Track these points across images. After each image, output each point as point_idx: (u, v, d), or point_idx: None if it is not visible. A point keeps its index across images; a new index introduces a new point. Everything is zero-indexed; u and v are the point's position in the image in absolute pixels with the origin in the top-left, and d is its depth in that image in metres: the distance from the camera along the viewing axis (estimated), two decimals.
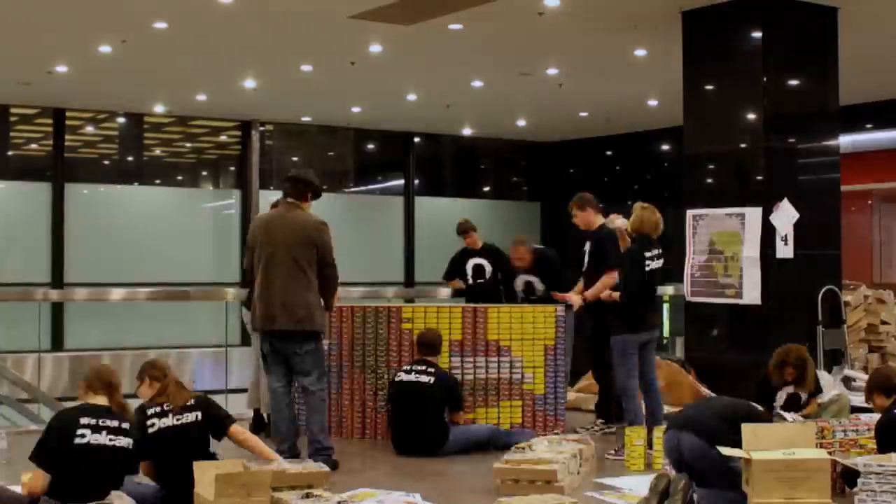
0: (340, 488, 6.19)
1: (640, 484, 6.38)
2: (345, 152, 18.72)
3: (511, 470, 6.33)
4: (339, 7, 9.69)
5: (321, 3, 9.66)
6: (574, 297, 8.53)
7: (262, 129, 17.12)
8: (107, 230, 16.02)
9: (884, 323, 11.04)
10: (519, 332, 8.31)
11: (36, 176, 16.13)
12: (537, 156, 19.40)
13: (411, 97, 14.52)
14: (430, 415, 7.60)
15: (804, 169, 9.70)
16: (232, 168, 17.62)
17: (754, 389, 7.57)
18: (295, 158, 18.44)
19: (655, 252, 7.66)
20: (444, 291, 10.76)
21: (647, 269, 7.57)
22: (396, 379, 7.82)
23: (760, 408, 6.18)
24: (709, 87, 9.97)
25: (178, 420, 5.75)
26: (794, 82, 9.71)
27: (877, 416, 6.45)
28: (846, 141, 11.94)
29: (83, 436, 5.22)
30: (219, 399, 10.47)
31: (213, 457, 5.81)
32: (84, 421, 5.27)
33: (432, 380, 7.65)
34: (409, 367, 7.83)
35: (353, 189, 18.96)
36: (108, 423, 5.33)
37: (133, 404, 5.78)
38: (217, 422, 5.86)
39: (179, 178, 18.01)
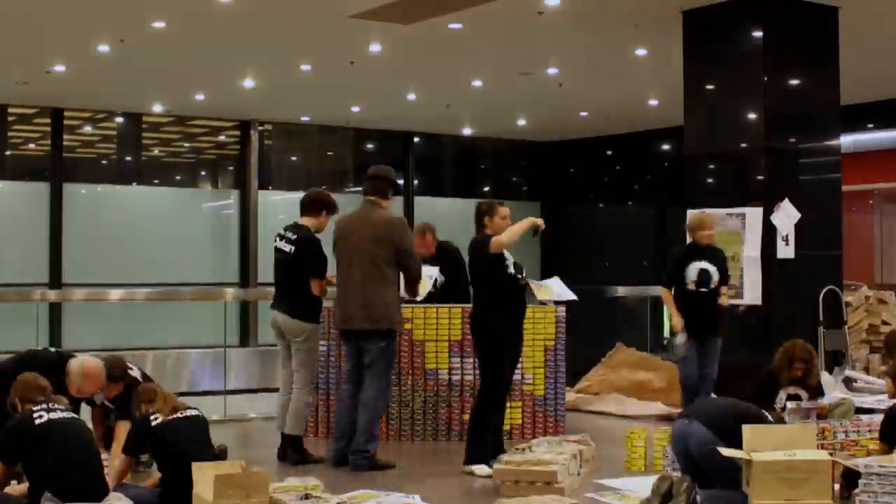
0: (340, 489, 6.17)
1: (640, 485, 6.36)
2: (344, 152, 18.70)
3: (511, 471, 6.31)
4: (338, 6, 9.66)
5: (320, 2, 9.63)
6: None
7: (261, 128, 17.09)
8: (105, 230, 15.99)
9: (885, 323, 11.01)
10: None
11: (34, 176, 16.10)
12: (537, 156, 19.37)
13: (411, 97, 14.49)
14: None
15: (805, 169, 9.68)
16: (231, 168, 17.59)
17: (754, 389, 7.55)
18: (294, 158, 18.42)
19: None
20: None
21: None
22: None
23: (769, 415, 6.15)
24: (709, 87, 9.94)
25: (183, 413, 5.73)
26: (795, 82, 9.68)
27: (878, 419, 6.43)
28: (847, 141, 11.92)
29: (41, 416, 5.25)
30: (217, 400, 10.51)
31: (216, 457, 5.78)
32: (36, 408, 5.32)
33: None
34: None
35: (352, 189, 18.92)
36: (56, 406, 5.39)
37: None
38: None
39: (178, 177, 17.98)
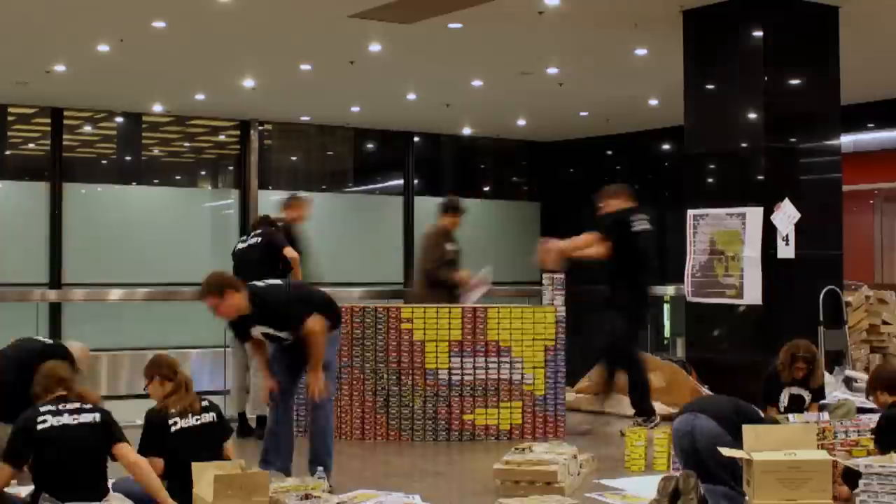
0: (340, 489, 6.16)
1: (640, 485, 6.36)
2: (344, 152, 18.69)
3: (511, 471, 6.30)
4: (338, 6, 9.65)
5: (320, 2, 9.63)
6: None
7: (261, 128, 17.09)
8: (105, 230, 15.98)
9: (885, 323, 11.00)
10: (519, 332, 8.28)
11: (34, 175, 16.10)
12: (537, 156, 19.36)
13: (411, 97, 14.49)
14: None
15: (805, 169, 9.67)
16: (231, 168, 17.59)
17: (762, 388, 7.54)
18: (294, 158, 18.41)
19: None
20: None
21: None
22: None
23: (770, 415, 6.14)
24: (709, 87, 9.94)
25: (197, 420, 5.70)
26: (795, 81, 9.68)
27: (876, 417, 6.42)
28: (848, 140, 11.93)
29: (44, 422, 5.20)
30: (218, 400, 10.48)
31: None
32: (44, 410, 5.27)
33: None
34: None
35: (352, 189, 18.93)
36: (68, 406, 5.31)
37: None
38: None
39: (178, 177, 17.98)
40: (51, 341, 6.96)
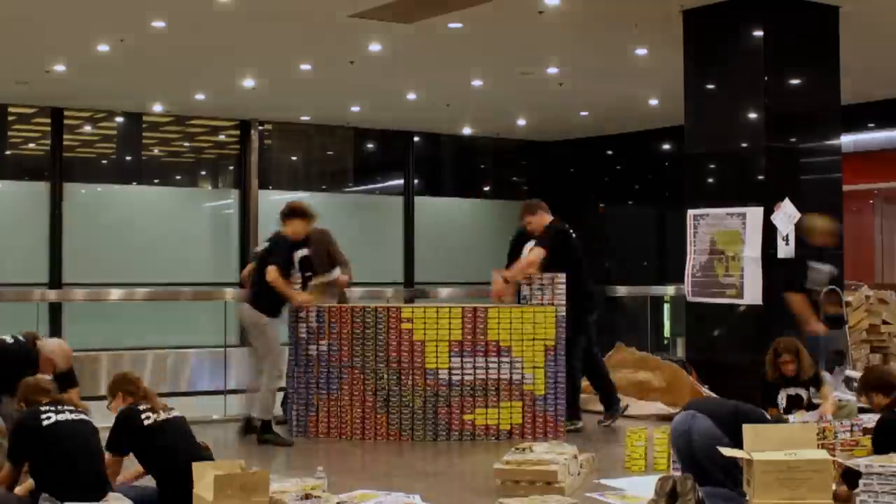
0: (340, 489, 6.16)
1: (640, 485, 6.35)
2: (344, 152, 18.69)
3: (511, 471, 6.30)
4: (338, 6, 9.65)
5: (320, 1, 9.62)
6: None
7: (261, 128, 17.08)
8: (105, 230, 15.98)
9: (885, 323, 11.00)
10: (519, 332, 8.27)
11: (34, 175, 16.10)
12: (537, 156, 19.36)
13: (411, 96, 14.49)
14: None
15: (806, 168, 9.67)
16: (231, 167, 17.58)
17: (760, 389, 7.54)
18: (294, 158, 18.41)
19: None
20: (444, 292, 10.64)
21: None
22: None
23: (769, 416, 6.14)
24: (710, 87, 9.94)
25: (169, 414, 5.71)
26: (795, 81, 9.68)
27: (876, 417, 6.42)
28: (848, 140, 11.92)
29: (49, 417, 5.24)
30: (217, 400, 10.50)
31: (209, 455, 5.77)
32: (44, 408, 5.31)
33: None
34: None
35: (352, 189, 18.93)
36: (64, 406, 5.37)
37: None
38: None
39: (178, 177, 17.98)
40: (13, 339, 6.98)
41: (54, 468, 5.16)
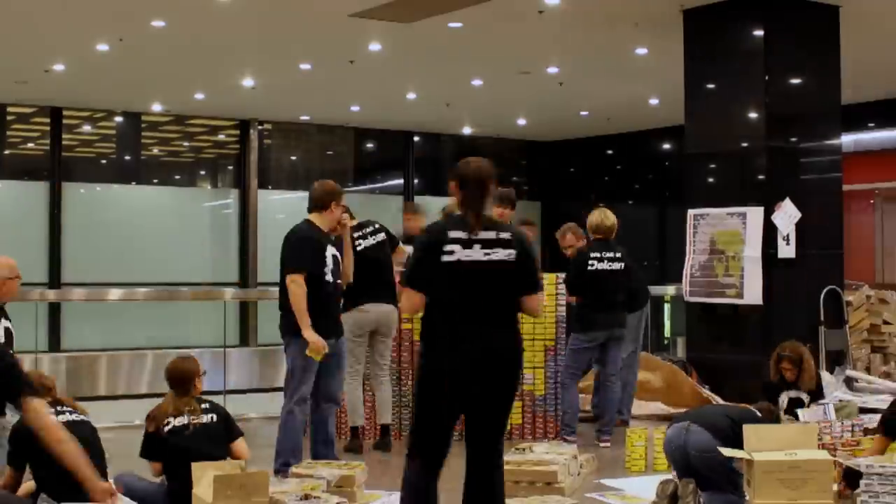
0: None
1: (640, 485, 6.35)
2: (344, 151, 18.68)
3: (511, 471, 6.28)
4: (338, 6, 9.64)
5: (320, 1, 9.61)
6: None
7: (260, 128, 17.08)
8: (104, 230, 15.97)
9: (886, 323, 10.99)
10: None
11: (33, 175, 16.09)
12: (537, 155, 19.36)
13: (411, 96, 14.48)
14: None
15: (806, 168, 9.66)
16: (230, 167, 17.58)
17: (762, 393, 7.53)
18: (294, 158, 18.40)
19: (609, 255, 8.06)
20: None
21: (590, 269, 8.01)
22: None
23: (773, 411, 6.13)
24: (710, 86, 9.93)
25: (194, 419, 5.71)
26: (795, 81, 9.67)
27: (877, 417, 6.41)
28: (848, 140, 11.92)
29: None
30: (217, 400, 10.46)
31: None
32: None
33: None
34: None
35: (352, 188, 18.90)
36: (65, 407, 5.36)
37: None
38: None
39: (177, 177, 17.97)
40: None
41: (55, 469, 5.14)
